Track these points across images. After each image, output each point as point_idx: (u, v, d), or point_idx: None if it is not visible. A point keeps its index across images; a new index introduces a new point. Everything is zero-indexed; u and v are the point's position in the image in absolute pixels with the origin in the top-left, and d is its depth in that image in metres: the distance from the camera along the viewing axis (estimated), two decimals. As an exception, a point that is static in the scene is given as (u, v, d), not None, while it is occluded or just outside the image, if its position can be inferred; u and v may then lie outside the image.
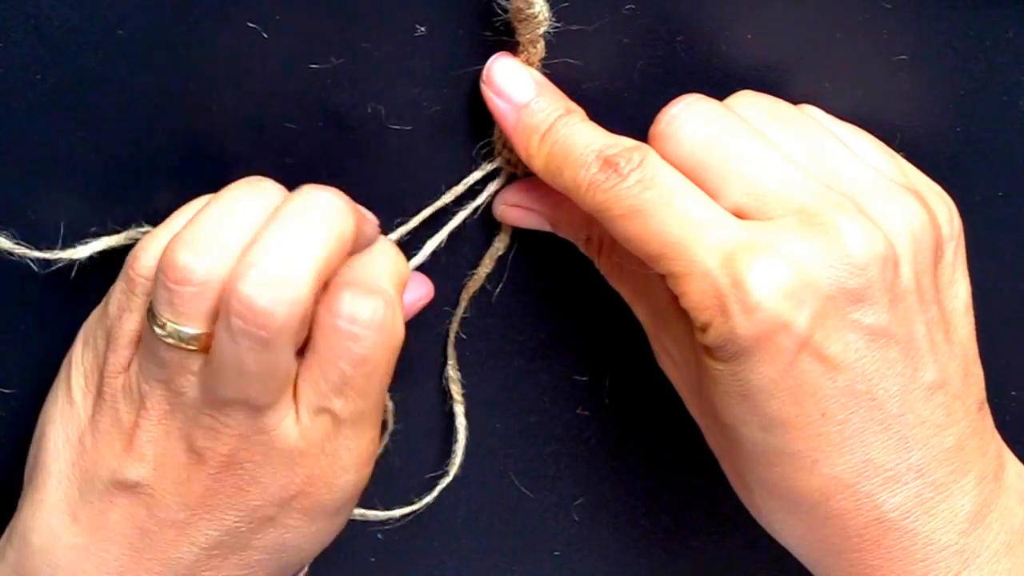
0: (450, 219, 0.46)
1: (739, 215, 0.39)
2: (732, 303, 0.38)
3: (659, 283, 0.42)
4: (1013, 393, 0.42)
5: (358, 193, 0.45)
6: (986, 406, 0.42)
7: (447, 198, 0.46)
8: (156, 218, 0.45)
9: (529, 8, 0.42)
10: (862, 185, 0.40)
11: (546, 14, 0.42)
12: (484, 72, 0.43)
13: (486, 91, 0.43)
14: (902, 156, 0.44)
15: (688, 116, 0.41)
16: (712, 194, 0.40)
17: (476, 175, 0.46)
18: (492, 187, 0.46)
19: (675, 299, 0.41)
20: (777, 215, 0.39)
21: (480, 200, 0.46)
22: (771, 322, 0.38)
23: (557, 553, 0.51)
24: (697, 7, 0.44)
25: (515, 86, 0.43)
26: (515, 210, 0.46)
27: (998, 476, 0.40)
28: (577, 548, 0.51)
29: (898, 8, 0.44)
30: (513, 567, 0.51)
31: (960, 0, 0.44)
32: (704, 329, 0.39)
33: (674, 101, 0.41)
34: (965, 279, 0.42)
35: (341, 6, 0.43)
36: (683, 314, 0.41)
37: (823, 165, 0.41)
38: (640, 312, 0.45)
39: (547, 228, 0.46)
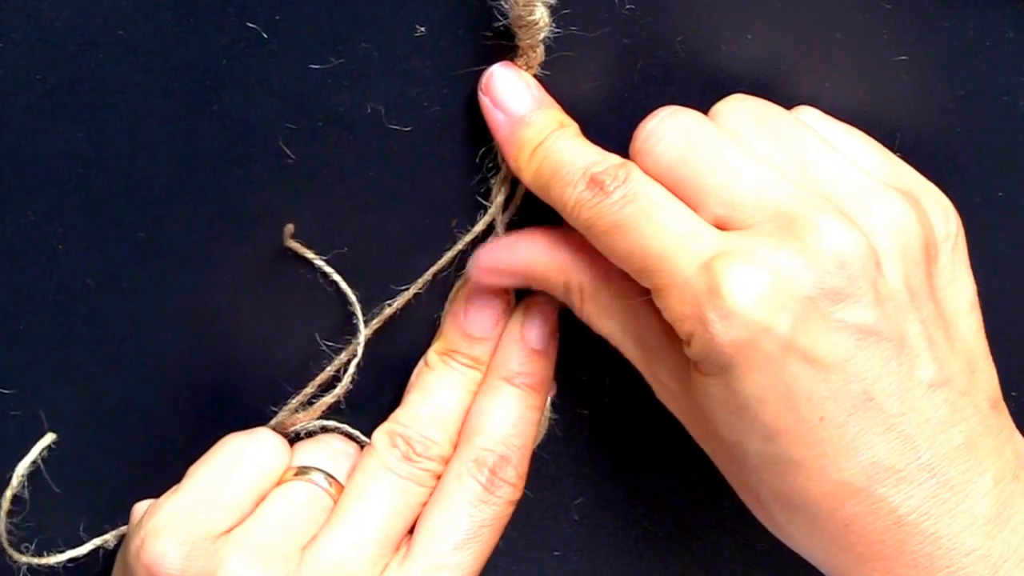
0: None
1: (720, 226, 0.40)
2: (710, 312, 0.38)
3: (647, 315, 0.42)
4: (1013, 393, 0.42)
5: (358, 194, 0.45)
6: (1001, 404, 0.41)
7: (479, 227, 0.46)
8: (154, 218, 0.45)
9: (530, 15, 0.42)
10: (845, 187, 0.40)
11: (547, 20, 0.42)
12: (483, 80, 0.43)
13: (483, 99, 0.43)
14: (901, 156, 0.44)
15: (664, 131, 0.41)
16: (693, 207, 0.40)
17: (499, 199, 0.46)
18: (499, 198, 0.46)
19: (665, 326, 0.41)
20: (755, 222, 0.39)
21: (489, 212, 0.46)
22: (750, 328, 0.38)
23: (557, 553, 0.51)
24: (697, 7, 0.44)
25: (513, 97, 0.43)
26: (490, 274, 0.45)
27: (1019, 476, 0.40)
28: (577, 548, 0.51)
29: (898, 8, 0.44)
30: (513, 567, 0.51)
31: (960, 0, 0.44)
32: (688, 342, 0.39)
33: (651, 115, 0.42)
34: (968, 278, 0.42)
35: (341, 6, 0.43)
36: (674, 340, 0.41)
37: (805, 169, 0.41)
38: (630, 351, 0.44)
39: (525, 286, 0.45)
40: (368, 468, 0.44)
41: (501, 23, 0.43)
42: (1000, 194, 0.47)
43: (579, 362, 0.48)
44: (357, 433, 0.47)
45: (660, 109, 0.42)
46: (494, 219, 0.46)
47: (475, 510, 0.43)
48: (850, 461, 0.38)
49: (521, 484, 0.45)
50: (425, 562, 0.43)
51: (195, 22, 0.43)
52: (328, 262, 0.46)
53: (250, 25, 0.43)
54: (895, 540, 0.38)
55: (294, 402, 0.47)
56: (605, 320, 0.44)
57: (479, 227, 0.46)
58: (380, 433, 0.45)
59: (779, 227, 0.39)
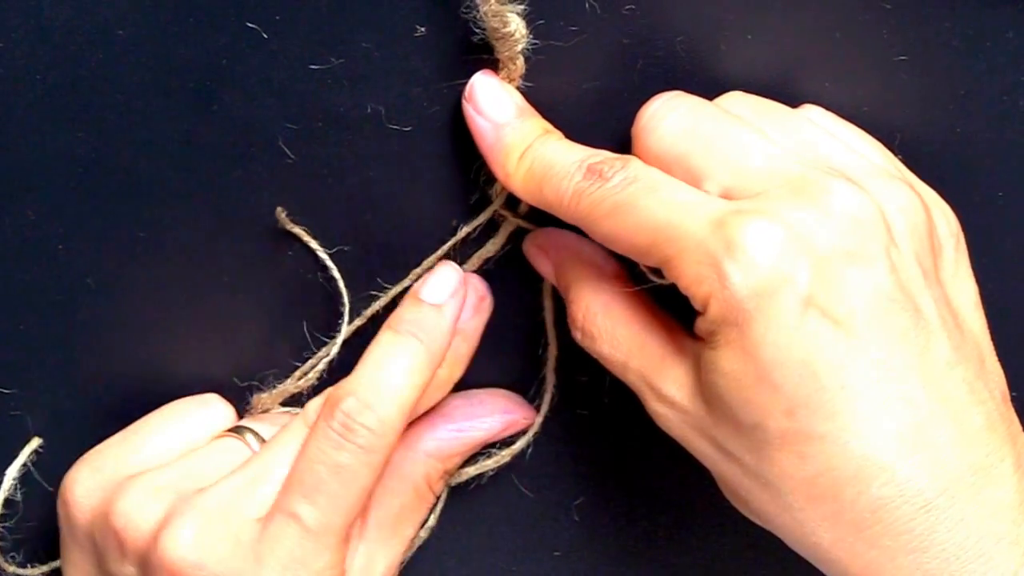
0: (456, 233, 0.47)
1: (726, 198, 0.39)
2: (728, 266, 0.37)
3: (651, 330, 0.42)
4: (1014, 394, 0.42)
5: (357, 194, 0.45)
6: (1010, 401, 0.41)
7: (474, 224, 0.46)
8: (154, 218, 0.45)
9: (504, 27, 0.41)
10: (852, 168, 0.40)
11: (523, 31, 0.42)
12: (466, 89, 0.43)
13: (467, 107, 0.43)
14: (901, 156, 0.44)
15: (669, 109, 0.41)
16: (698, 180, 0.40)
17: (498, 202, 0.46)
18: (498, 202, 0.46)
19: (670, 338, 0.41)
20: (764, 188, 0.39)
21: (482, 216, 0.46)
22: (770, 278, 0.37)
23: (557, 553, 0.51)
24: (697, 7, 0.44)
25: (496, 105, 0.43)
26: (534, 249, 0.46)
27: None
28: (577, 548, 0.51)
29: (898, 8, 0.44)
30: (513, 567, 0.51)
31: (960, 0, 0.44)
32: (704, 308, 0.38)
33: (655, 96, 0.42)
34: (971, 279, 0.42)
35: (341, 6, 0.43)
36: (681, 349, 0.41)
37: (812, 149, 0.41)
38: (632, 372, 0.43)
39: (552, 279, 0.46)
40: (291, 424, 0.45)
41: (479, 36, 0.43)
42: (1000, 194, 0.47)
43: (579, 362, 0.48)
44: None
45: (664, 92, 0.42)
46: (493, 217, 0.46)
47: (328, 455, 0.42)
48: (874, 434, 0.37)
49: (386, 432, 0.43)
50: (280, 507, 0.42)
51: (195, 22, 0.43)
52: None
53: (250, 25, 0.43)
54: (924, 528, 0.37)
55: (276, 391, 0.47)
56: (607, 344, 0.43)
57: (474, 224, 0.46)
58: (317, 397, 0.45)
59: (790, 191, 0.39)
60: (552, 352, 0.48)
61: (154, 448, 0.45)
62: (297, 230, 0.45)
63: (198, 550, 0.41)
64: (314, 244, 0.45)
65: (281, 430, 0.44)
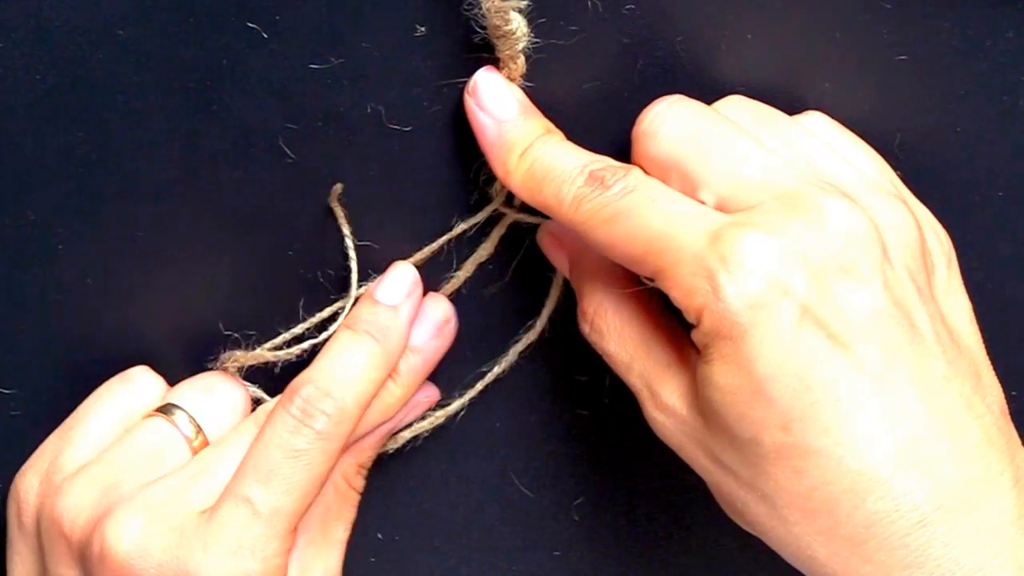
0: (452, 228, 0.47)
1: (722, 208, 0.39)
2: (722, 277, 0.37)
3: (658, 338, 0.42)
4: (1014, 393, 0.42)
5: (358, 194, 0.45)
6: (1008, 415, 0.40)
7: (476, 219, 0.46)
8: (154, 218, 0.45)
9: (506, 25, 0.41)
10: (847, 183, 0.40)
11: (524, 30, 0.42)
12: (469, 84, 0.44)
13: (469, 102, 0.43)
14: (901, 156, 0.44)
15: (671, 113, 0.41)
16: (694, 187, 0.40)
17: (497, 200, 0.46)
18: (498, 200, 0.46)
19: (676, 346, 0.41)
20: (759, 201, 0.39)
21: (481, 214, 0.46)
22: (764, 291, 0.37)
23: (557, 553, 0.51)
24: (697, 7, 0.44)
25: (499, 101, 0.43)
26: (550, 239, 0.46)
27: None
28: (577, 548, 0.51)
29: (898, 8, 0.44)
30: (513, 567, 0.51)
31: (960, 0, 0.44)
32: (698, 320, 0.38)
33: (656, 100, 0.42)
34: (964, 296, 0.42)
35: (341, 6, 0.43)
36: (684, 360, 0.41)
37: (808, 162, 0.41)
38: (636, 376, 0.43)
39: (566, 271, 0.46)
40: (241, 424, 0.45)
41: (480, 36, 0.43)
42: (1000, 194, 0.47)
43: (579, 363, 0.48)
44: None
45: (666, 96, 0.42)
46: (492, 215, 0.46)
47: (284, 439, 0.42)
48: (870, 448, 0.37)
49: (343, 420, 0.43)
50: (231, 492, 0.42)
51: (195, 22, 0.43)
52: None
53: (250, 25, 0.43)
54: (919, 543, 0.37)
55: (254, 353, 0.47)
56: (614, 341, 0.43)
57: (472, 221, 0.46)
58: (270, 401, 0.45)
59: (784, 205, 0.39)
60: (529, 338, 0.48)
61: (89, 439, 0.45)
62: (337, 209, 0.45)
63: (142, 541, 0.41)
64: (347, 230, 0.45)
65: (231, 430, 0.45)
